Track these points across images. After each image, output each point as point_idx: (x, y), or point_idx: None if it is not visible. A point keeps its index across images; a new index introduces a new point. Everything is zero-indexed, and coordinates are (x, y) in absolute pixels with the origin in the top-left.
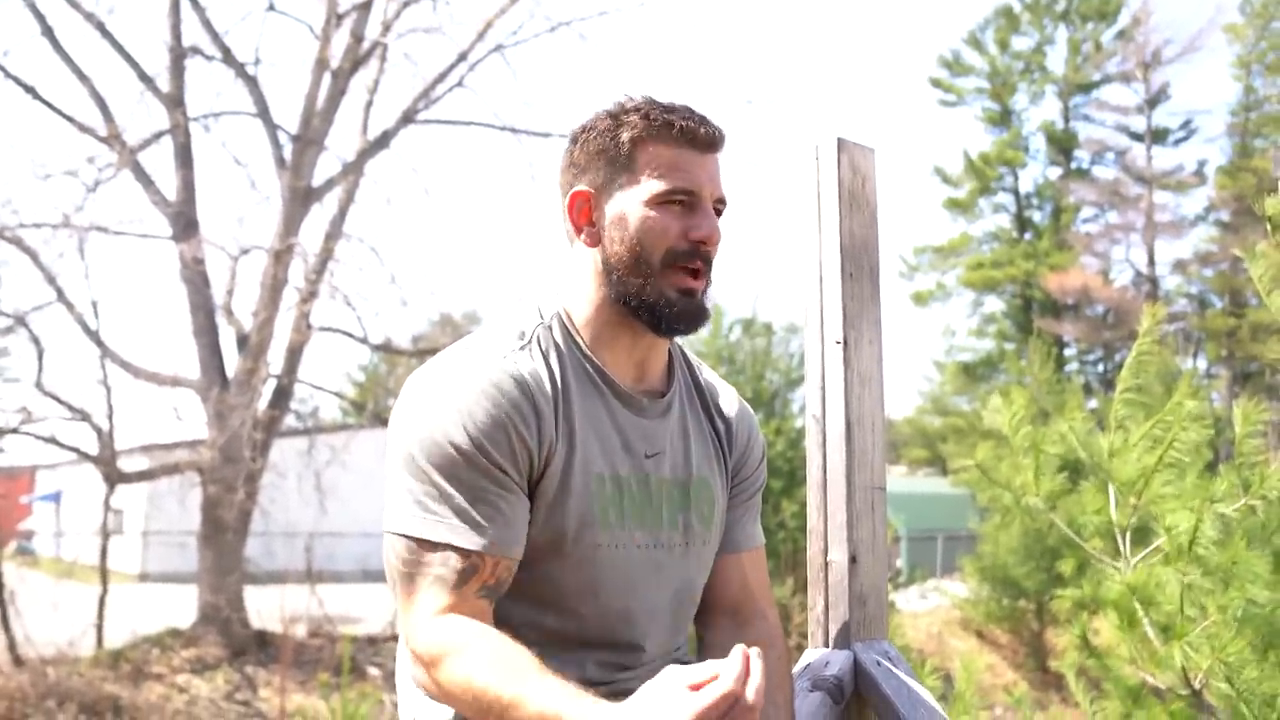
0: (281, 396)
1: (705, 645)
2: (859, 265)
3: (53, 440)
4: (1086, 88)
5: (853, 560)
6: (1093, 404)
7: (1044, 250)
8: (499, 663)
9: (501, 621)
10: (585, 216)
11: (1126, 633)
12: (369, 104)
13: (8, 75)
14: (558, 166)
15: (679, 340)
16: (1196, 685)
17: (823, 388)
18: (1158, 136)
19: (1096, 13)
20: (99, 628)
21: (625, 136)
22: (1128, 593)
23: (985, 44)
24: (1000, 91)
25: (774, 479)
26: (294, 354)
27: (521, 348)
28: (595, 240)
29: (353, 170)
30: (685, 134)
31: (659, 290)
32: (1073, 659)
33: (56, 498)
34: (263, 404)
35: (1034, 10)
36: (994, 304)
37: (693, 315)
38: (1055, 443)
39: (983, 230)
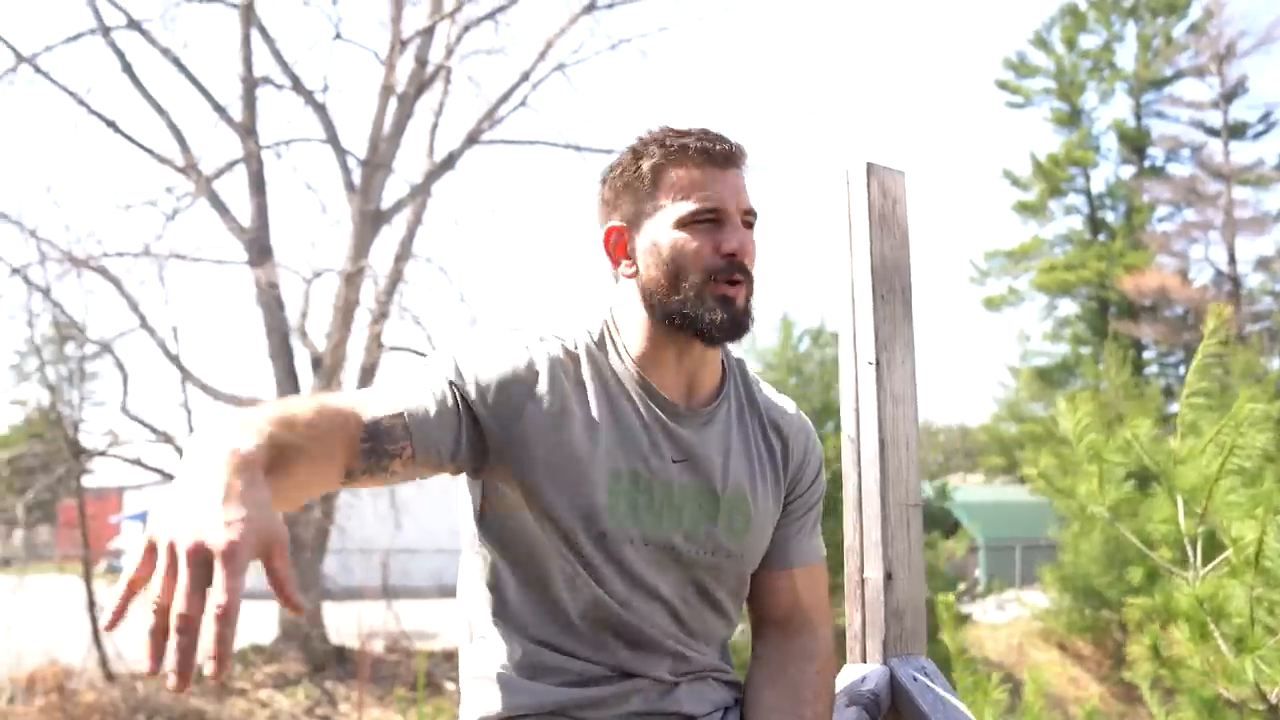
0: None
1: (754, 656)
2: (890, 287)
3: (138, 462)
4: (1159, 84)
5: (888, 577)
6: (1174, 407)
7: (1118, 251)
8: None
9: (515, 607)
10: (621, 250)
11: (1198, 644)
12: (434, 126)
13: (91, 111)
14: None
15: (739, 356)
16: (1273, 700)
17: (856, 408)
18: (1235, 131)
19: (1166, 7)
20: None
21: (646, 166)
22: (1197, 604)
23: (1052, 43)
24: (1068, 91)
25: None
26: (367, 374)
27: (561, 345)
28: (633, 271)
29: (420, 192)
30: (702, 154)
31: (698, 304)
32: (1145, 670)
33: (144, 517)
34: None
35: (1101, 7)
36: (1068, 307)
37: (734, 323)
38: (1121, 450)
39: (1054, 233)
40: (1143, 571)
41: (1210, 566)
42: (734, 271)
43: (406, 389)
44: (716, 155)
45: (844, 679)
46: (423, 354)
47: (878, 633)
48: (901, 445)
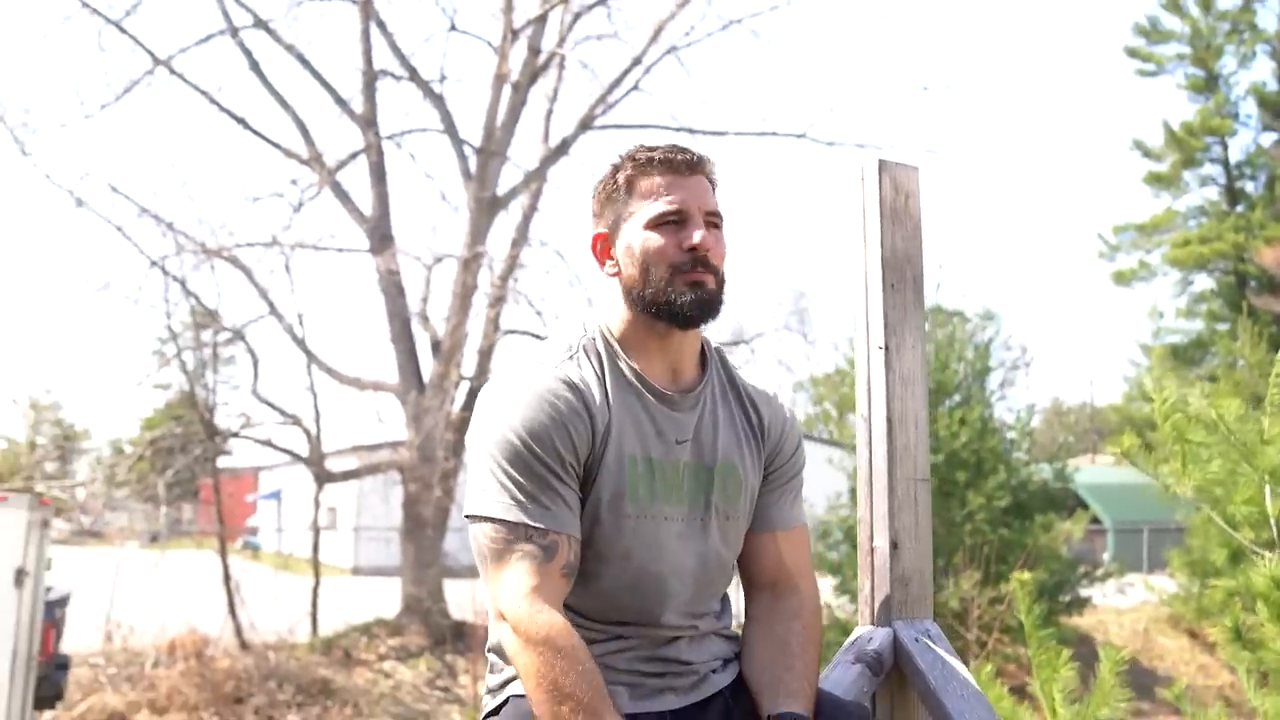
0: (473, 397)
1: (747, 616)
2: (901, 276)
3: (269, 443)
4: None
5: (894, 546)
6: None
7: (1258, 222)
8: (590, 677)
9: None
10: (605, 253)
11: (1277, 625)
12: (549, 113)
13: (221, 109)
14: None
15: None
16: None
17: (868, 389)
18: None
19: None
20: (313, 616)
21: (621, 179)
22: (1273, 585)
23: (1186, 6)
24: (1204, 56)
25: (959, 470)
26: (484, 357)
27: (569, 358)
28: (616, 271)
29: (535, 178)
30: (666, 164)
31: (669, 290)
32: (1229, 652)
33: (277, 496)
34: (456, 406)
35: None
36: (1203, 282)
37: (705, 304)
38: (1208, 429)
39: (1188, 205)
40: (1227, 553)
41: None
42: (696, 265)
43: (534, 504)
44: (679, 164)
45: (852, 639)
46: (537, 336)
47: (884, 597)
48: (910, 424)
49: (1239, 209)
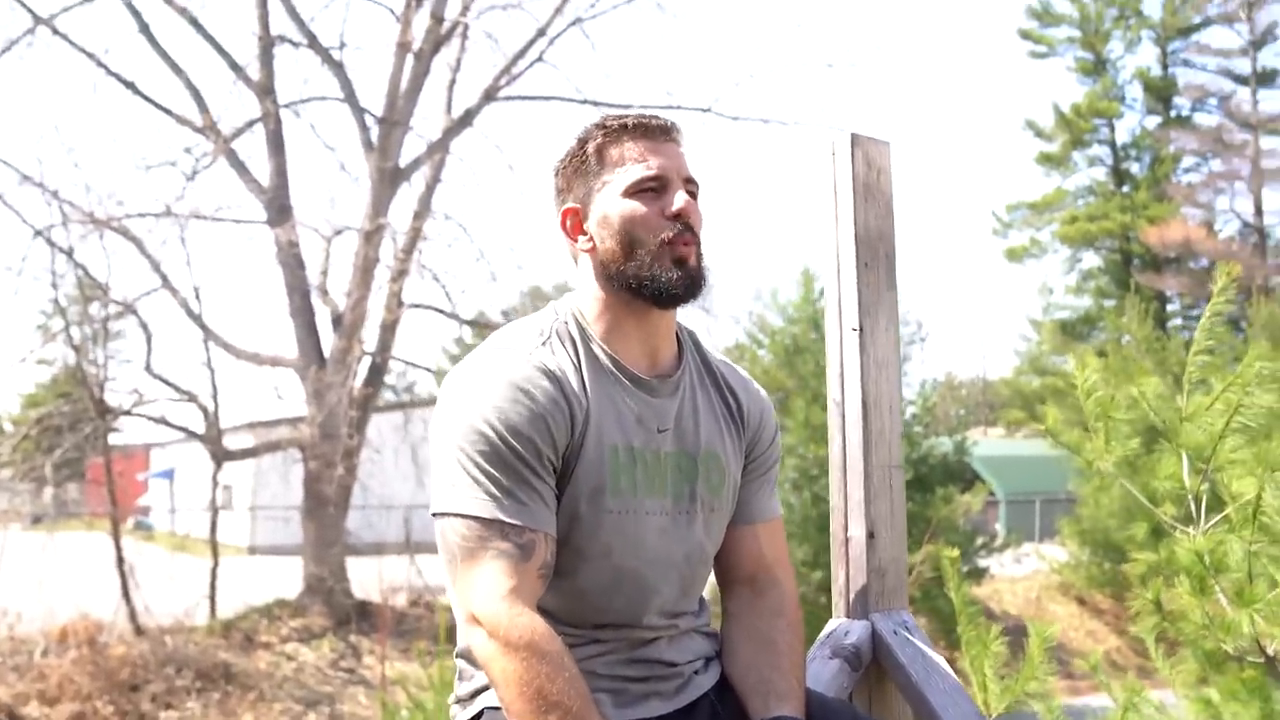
0: (376, 373)
1: (725, 613)
2: (874, 255)
3: (163, 420)
4: (1186, 31)
5: (870, 535)
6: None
7: (1142, 202)
8: (576, 684)
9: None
10: (577, 228)
11: (1199, 598)
12: (452, 83)
13: (109, 73)
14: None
15: (693, 323)
16: (1270, 652)
17: (841, 373)
18: (1263, 79)
19: None
20: (211, 599)
21: (591, 149)
22: (1197, 559)
23: None
24: (1093, 40)
25: None
26: (387, 331)
27: (543, 344)
28: (590, 246)
29: (438, 149)
30: (639, 129)
31: (654, 266)
32: (1148, 623)
33: (170, 475)
34: (358, 381)
35: None
36: (1091, 260)
37: (690, 281)
38: (1130, 407)
39: (1077, 184)
40: (1147, 527)
41: (1212, 523)
42: (683, 231)
43: (509, 500)
44: (653, 129)
45: (828, 632)
46: (441, 310)
47: (861, 589)
48: (885, 409)
49: (1125, 189)
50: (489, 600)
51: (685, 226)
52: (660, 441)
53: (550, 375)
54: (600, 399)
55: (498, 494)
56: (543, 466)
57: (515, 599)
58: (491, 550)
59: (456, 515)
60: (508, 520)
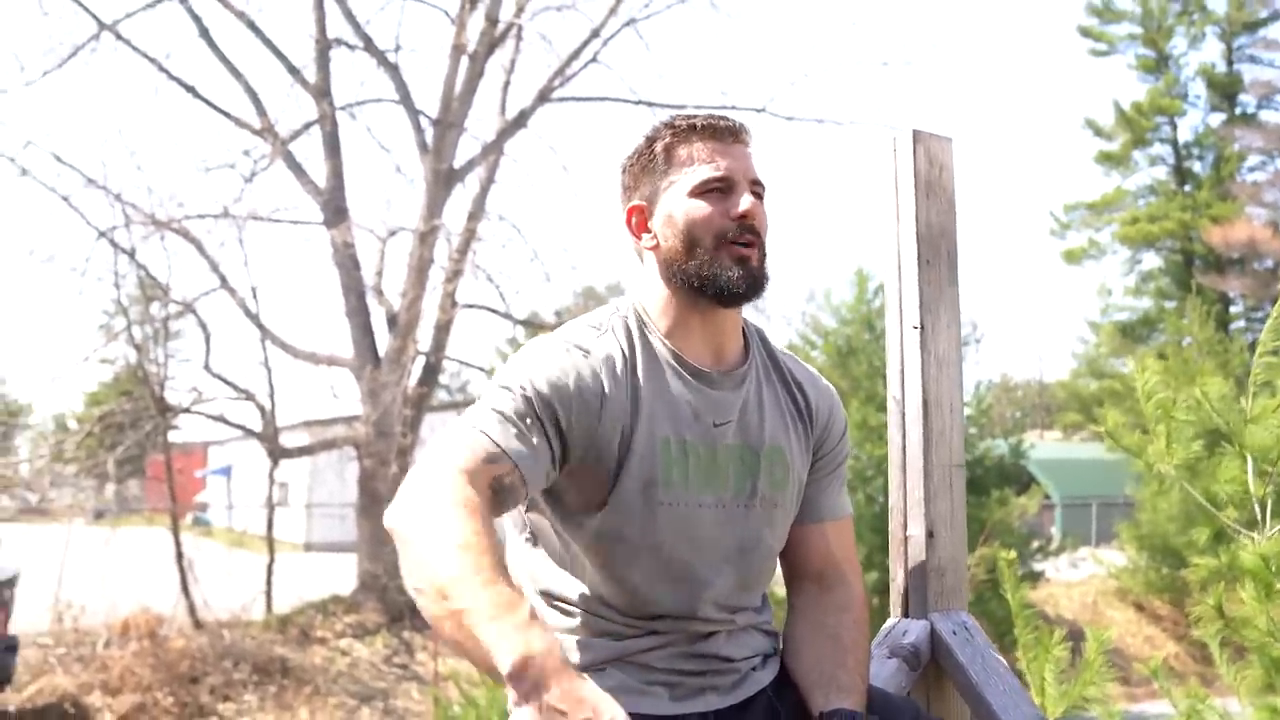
0: (430, 373)
1: (791, 609)
2: (936, 252)
3: (221, 418)
4: (1252, 26)
5: (930, 535)
6: None
7: (1205, 202)
8: (474, 558)
9: (569, 589)
10: (642, 226)
11: (1263, 604)
12: (506, 85)
13: (171, 77)
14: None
15: (758, 323)
16: None
17: (901, 371)
18: None
19: None
20: (268, 594)
21: (659, 148)
22: (1262, 563)
23: None
24: (1155, 37)
25: None
26: (441, 331)
27: (598, 336)
28: (654, 244)
29: (492, 151)
30: (709, 130)
31: (714, 265)
32: (1212, 629)
33: (227, 472)
34: (413, 381)
35: None
36: (1151, 260)
37: (751, 280)
38: (1191, 409)
39: (1138, 184)
40: (1209, 532)
41: (1278, 528)
42: (745, 233)
43: (505, 427)
44: (722, 130)
45: (885, 631)
46: (494, 311)
47: (920, 588)
48: (945, 407)
49: (1187, 188)
50: (431, 460)
51: (748, 228)
52: (718, 435)
53: (594, 359)
54: (653, 391)
55: (498, 416)
56: (543, 427)
57: (459, 471)
58: (465, 439)
59: (464, 422)
60: (496, 440)
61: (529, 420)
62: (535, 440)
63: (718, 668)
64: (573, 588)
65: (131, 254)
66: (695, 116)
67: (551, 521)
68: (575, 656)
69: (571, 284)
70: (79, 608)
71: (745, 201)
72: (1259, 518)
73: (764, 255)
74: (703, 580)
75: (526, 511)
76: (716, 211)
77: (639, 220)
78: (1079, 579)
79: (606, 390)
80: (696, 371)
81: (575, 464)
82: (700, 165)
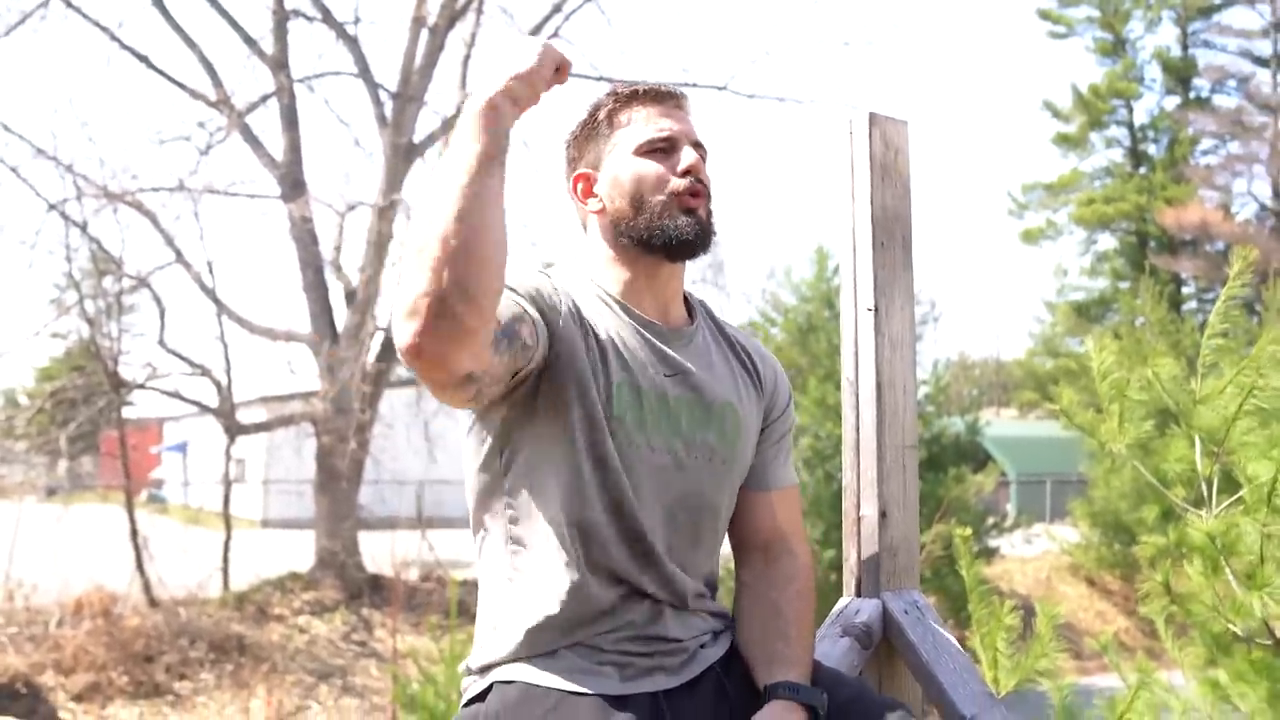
0: (389, 349)
1: (739, 582)
2: (890, 235)
3: (176, 394)
4: (1207, 11)
5: (883, 515)
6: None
7: (1159, 184)
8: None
9: (531, 522)
10: (588, 191)
11: (1209, 580)
12: (467, 58)
13: (123, 46)
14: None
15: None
16: (1279, 634)
17: (856, 352)
18: None
19: None
20: (224, 571)
21: (602, 114)
22: (1209, 541)
23: None
24: (1112, 20)
25: None
26: None
27: (553, 278)
28: (600, 207)
29: (452, 125)
30: (650, 95)
31: (664, 217)
32: (1158, 605)
33: (183, 448)
34: (371, 357)
35: None
36: (1107, 241)
37: (699, 230)
38: (1143, 389)
39: (1094, 166)
40: (1158, 510)
41: (1224, 505)
42: (695, 184)
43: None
44: (663, 95)
45: (838, 611)
46: None
47: (872, 567)
48: (899, 388)
49: (1142, 171)
50: None
51: (695, 179)
52: (668, 385)
53: (556, 282)
54: (605, 334)
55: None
56: (538, 315)
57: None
58: None
59: None
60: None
61: (519, 298)
62: (531, 310)
63: (666, 649)
64: (535, 553)
65: (83, 227)
66: (635, 84)
67: (515, 456)
68: (528, 642)
69: (532, 260)
70: (31, 586)
71: (689, 156)
72: (1206, 496)
73: (710, 210)
74: (650, 528)
75: (498, 449)
76: (662, 168)
77: (584, 187)
78: (1033, 555)
79: (564, 312)
80: (647, 323)
81: (543, 384)
82: (643, 125)
